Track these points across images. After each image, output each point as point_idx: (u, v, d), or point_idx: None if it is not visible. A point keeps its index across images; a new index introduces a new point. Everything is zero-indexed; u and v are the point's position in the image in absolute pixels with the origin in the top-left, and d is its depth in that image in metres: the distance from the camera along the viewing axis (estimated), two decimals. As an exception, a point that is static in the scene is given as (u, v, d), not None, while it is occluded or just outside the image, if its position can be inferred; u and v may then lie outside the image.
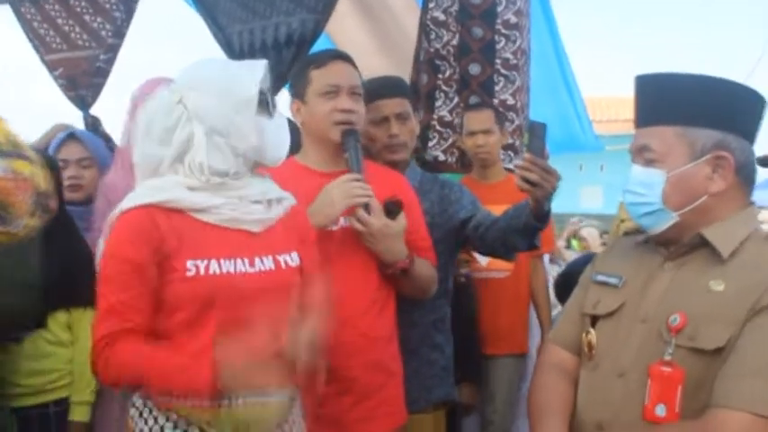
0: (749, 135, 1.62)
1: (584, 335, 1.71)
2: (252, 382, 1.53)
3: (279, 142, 1.77)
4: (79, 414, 2.42)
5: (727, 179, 1.58)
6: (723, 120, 1.57)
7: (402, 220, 2.10)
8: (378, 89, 2.43)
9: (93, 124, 3.89)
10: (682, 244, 1.63)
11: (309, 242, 1.88)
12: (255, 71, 1.72)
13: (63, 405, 2.42)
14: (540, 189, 1.96)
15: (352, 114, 2.13)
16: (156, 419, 1.65)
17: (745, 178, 1.61)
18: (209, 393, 1.53)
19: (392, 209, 2.09)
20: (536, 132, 1.97)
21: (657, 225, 1.64)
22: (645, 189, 1.62)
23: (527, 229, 2.15)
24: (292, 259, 1.78)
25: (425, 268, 2.21)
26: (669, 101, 1.59)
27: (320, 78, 2.16)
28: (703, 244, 1.59)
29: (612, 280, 1.71)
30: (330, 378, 2.03)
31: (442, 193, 2.44)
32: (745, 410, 1.39)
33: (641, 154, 1.63)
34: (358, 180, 2.08)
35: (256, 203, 1.76)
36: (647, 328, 1.59)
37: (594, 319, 1.70)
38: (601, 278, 1.75)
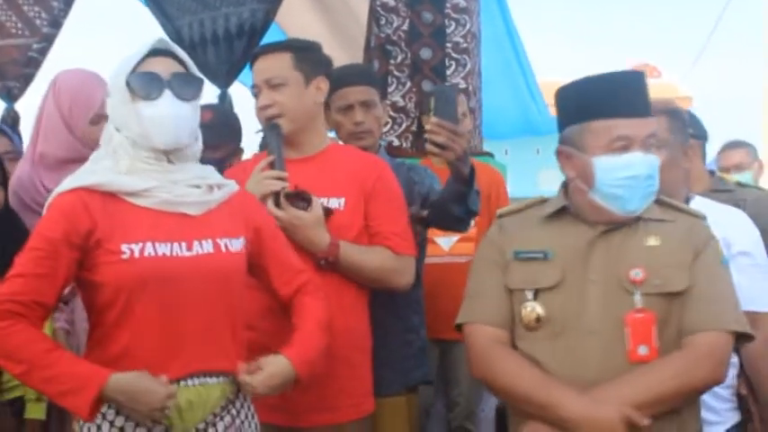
0: None
1: (523, 309, 1.80)
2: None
3: (162, 125, 1.71)
4: (34, 412, 2.37)
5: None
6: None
7: (316, 209, 2.07)
8: (343, 77, 2.44)
9: (13, 121, 3.68)
10: (618, 222, 1.81)
11: (268, 226, 1.90)
12: (133, 55, 1.73)
13: (17, 404, 2.35)
14: (450, 151, 2.02)
15: (268, 110, 2.15)
16: (103, 416, 1.66)
17: None
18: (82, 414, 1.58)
19: (302, 197, 2.07)
20: (442, 97, 2.04)
21: (645, 206, 1.80)
22: (655, 172, 1.77)
23: (457, 195, 2.19)
24: (233, 244, 1.77)
25: (373, 256, 2.16)
26: (646, 94, 1.78)
27: (253, 79, 2.23)
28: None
29: (538, 255, 1.82)
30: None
31: (408, 176, 2.45)
32: (715, 329, 1.71)
33: (645, 141, 1.74)
34: (272, 167, 2.09)
35: (193, 187, 1.76)
36: (602, 287, 1.77)
37: (533, 293, 1.80)
38: (524, 255, 1.84)
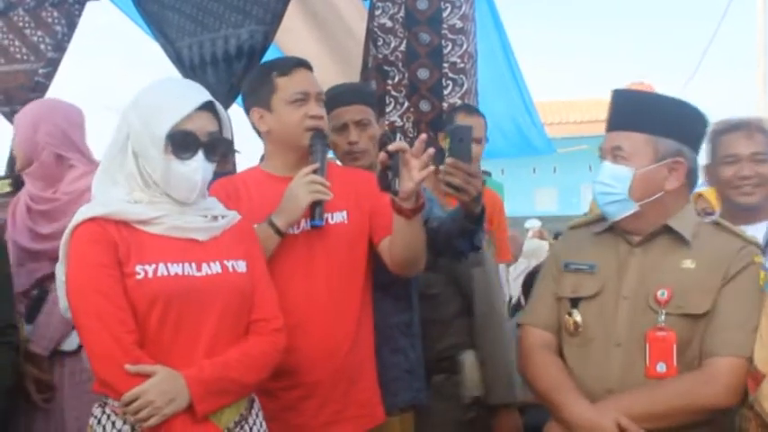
0: (697, 148, 2.03)
1: (566, 316, 1.98)
2: None
3: (188, 184, 1.78)
4: None
5: (680, 180, 1.95)
6: (681, 133, 1.96)
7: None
8: (337, 96, 2.46)
9: None
10: (648, 232, 1.96)
11: (259, 261, 1.92)
12: (177, 110, 1.75)
13: None
14: (465, 193, 1.98)
15: (321, 120, 2.16)
16: (113, 424, 1.71)
17: (691, 181, 2.02)
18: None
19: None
20: (458, 136, 1.98)
21: (620, 213, 1.96)
22: (614, 182, 1.94)
23: (464, 232, 2.16)
24: (239, 265, 1.83)
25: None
26: (642, 112, 1.95)
27: (288, 86, 2.16)
28: (664, 231, 1.95)
29: (585, 267, 2.00)
30: (293, 383, 2.07)
31: None
32: (732, 355, 1.80)
33: (612, 152, 1.95)
34: (316, 172, 2.09)
35: (200, 216, 1.83)
36: (632, 303, 1.91)
37: (575, 302, 1.98)
38: (573, 266, 2.02)
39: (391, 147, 1.98)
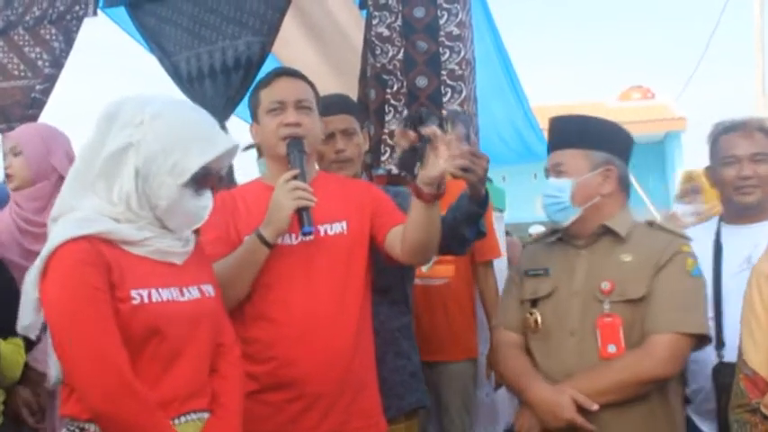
0: (625, 158, 2.31)
1: (528, 315, 2.25)
2: None
3: (187, 220, 1.79)
4: None
5: (613, 185, 2.25)
6: (610, 145, 2.27)
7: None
8: (323, 107, 2.46)
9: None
10: (590, 233, 2.24)
11: (214, 276, 1.93)
12: (211, 148, 1.73)
13: None
14: (473, 173, 2.03)
15: (297, 127, 2.15)
16: None
17: (624, 187, 2.30)
18: None
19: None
20: (452, 120, 2.08)
21: (566, 219, 2.24)
22: (559, 192, 2.22)
23: (470, 216, 2.18)
24: (209, 290, 1.83)
25: None
26: (576, 132, 2.28)
27: (266, 97, 2.21)
28: (604, 233, 2.23)
29: (541, 271, 2.29)
30: (294, 395, 2.06)
31: (395, 201, 2.45)
32: (667, 331, 2.07)
33: (555, 169, 2.26)
34: (296, 178, 2.09)
35: (176, 239, 1.80)
36: (581, 297, 2.18)
37: (534, 302, 2.25)
38: (532, 272, 2.31)
39: (427, 129, 1.97)
